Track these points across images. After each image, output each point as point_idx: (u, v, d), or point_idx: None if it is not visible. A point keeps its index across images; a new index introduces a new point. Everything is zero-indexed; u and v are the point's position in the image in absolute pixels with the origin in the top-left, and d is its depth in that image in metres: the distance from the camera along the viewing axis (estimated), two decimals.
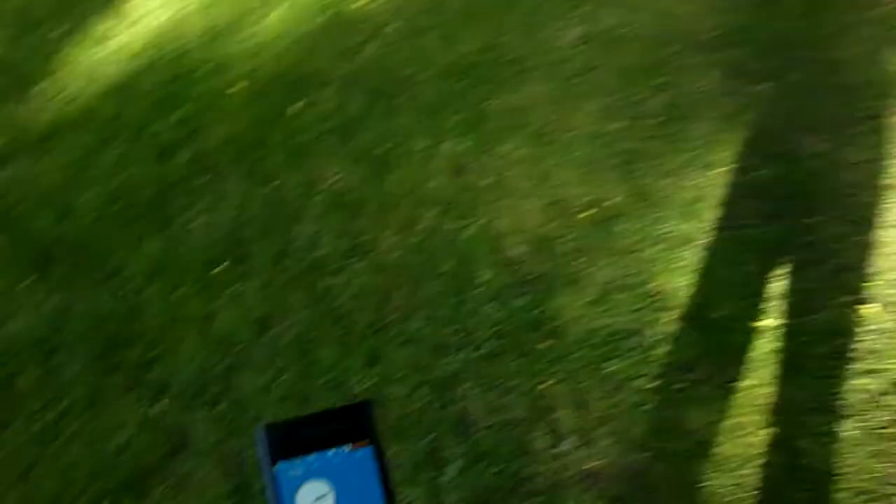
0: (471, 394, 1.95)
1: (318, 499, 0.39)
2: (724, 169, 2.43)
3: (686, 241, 2.25)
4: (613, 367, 1.95)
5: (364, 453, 0.40)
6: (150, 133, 2.91)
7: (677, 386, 1.90)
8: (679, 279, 2.14)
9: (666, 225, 2.30)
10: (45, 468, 1.97)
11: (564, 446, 1.82)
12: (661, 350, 1.97)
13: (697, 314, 2.05)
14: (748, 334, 1.99)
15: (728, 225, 2.26)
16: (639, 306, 2.08)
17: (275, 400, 2.01)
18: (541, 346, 2.02)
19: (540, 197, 2.41)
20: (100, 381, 2.13)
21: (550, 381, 1.95)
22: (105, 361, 2.18)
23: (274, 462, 0.39)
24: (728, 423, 1.83)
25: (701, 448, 1.79)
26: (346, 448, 0.40)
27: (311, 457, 0.39)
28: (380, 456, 0.41)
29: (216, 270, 2.36)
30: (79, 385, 2.13)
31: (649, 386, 1.90)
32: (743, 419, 1.84)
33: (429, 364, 2.03)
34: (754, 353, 1.95)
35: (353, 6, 3.42)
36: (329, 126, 2.78)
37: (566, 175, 2.47)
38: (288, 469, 0.39)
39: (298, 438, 0.40)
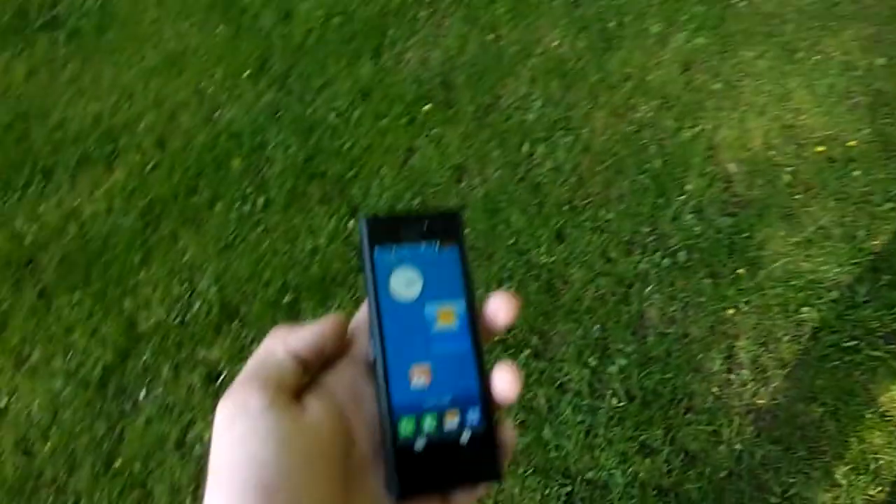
0: (652, 298, 1.92)
1: (408, 283, 0.44)
2: None
3: None
4: (810, 315, 1.86)
5: (451, 252, 0.45)
6: None
7: (873, 353, 1.79)
8: None
9: None
10: (242, 249, 2.14)
11: (738, 376, 1.79)
12: (866, 312, 1.85)
13: None
14: None
15: None
16: (853, 261, 1.94)
17: None
18: (737, 271, 1.94)
19: (772, 117, 2.22)
20: (300, 185, 2.25)
21: (737, 309, 1.89)
22: (307, 168, 2.28)
23: (372, 246, 0.43)
24: None
25: (882, 420, 1.71)
26: (436, 245, 0.44)
27: (405, 247, 0.44)
28: (464, 256, 0.45)
29: (423, 108, 2.37)
30: (281, 183, 2.25)
31: (844, 344, 1.80)
32: None
33: (615, 257, 2.00)
34: None
35: None
36: None
37: (807, 100, 2.25)
38: (384, 254, 0.44)
39: (396, 230, 0.44)
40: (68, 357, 2.07)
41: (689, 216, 2.05)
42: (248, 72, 2.56)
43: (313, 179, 2.25)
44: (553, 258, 2.02)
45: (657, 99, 2.29)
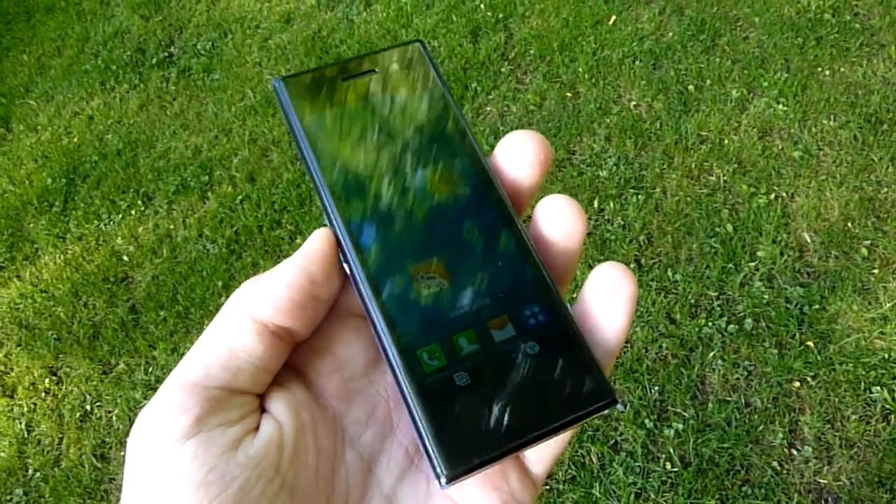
0: (714, 364, 1.90)
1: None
2: None
3: None
4: (881, 395, 1.79)
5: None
6: (469, 8, 2.99)
7: None
8: None
9: None
10: None
11: (800, 452, 1.74)
12: None
13: None
14: None
15: None
16: None
17: None
18: (806, 343, 1.90)
19: (852, 188, 2.18)
20: None
21: (804, 383, 1.84)
22: None
23: (302, 119, 0.31)
24: None
25: None
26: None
27: (354, 108, 0.31)
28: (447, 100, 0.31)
29: None
30: None
31: None
32: None
33: (679, 320, 1.99)
34: None
35: None
36: (643, 48, 2.67)
37: (890, 173, 2.20)
38: (325, 121, 0.31)
39: (331, 91, 0.31)
40: (149, 371, 2.22)
41: (759, 283, 2.03)
42: None
43: None
44: None
45: (733, 164, 2.29)
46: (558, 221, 0.30)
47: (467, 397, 0.26)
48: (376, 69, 0.31)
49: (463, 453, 0.25)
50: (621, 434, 1.83)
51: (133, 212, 2.66)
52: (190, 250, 2.44)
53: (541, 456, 0.30)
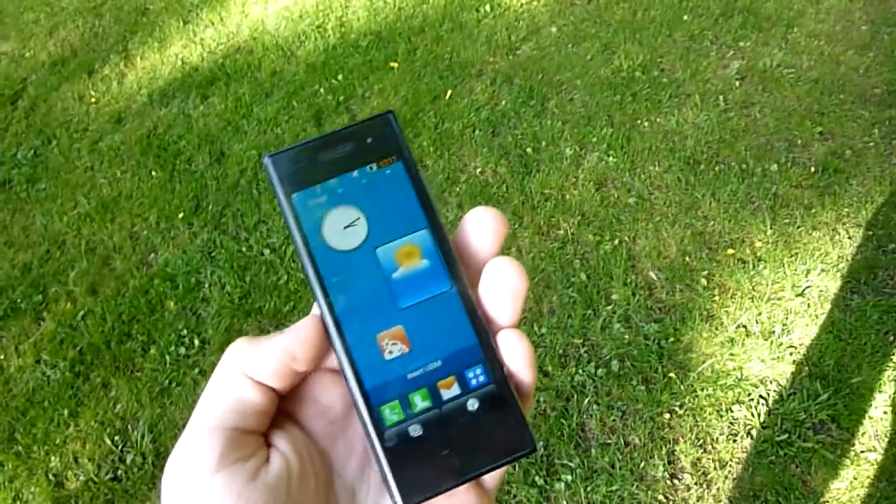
0: (591, 410, 1.96)
1: (347, 226, 0.34)
2: (879, 231, 2.34)
3: (829, 298, 2.18)
4: (741, 413, 1.92)
5: (395, 170, 0.35)
6: (309, 94, 3.02)
7: (805, 444, 1.86)
8: (818, 336, 2.08)
9: (809, 278, 2.23)
10: (178, 394, 2.09)
11: (681, 480, 1.82)
12: (793, 405, 1.93)
13: (834, 376, 1.99)
14: (885, 406, 1.92)
15: (876, 290, 2.18)
16: (774, 356, 2.03)
17: None
18: (668, 375, 2.01)
19: (684, 225, 2.38)
20: (237, 323, 2.24)
21: (673, 413, 1.94)
22: (244, 305, 2.29)
23: (288, 192, 0.35)
24: (854, 492, 1.78)
25: None
26: (372, 167, 0.35)
27: (333, 181, 0.35)
28: (413, 171, 0.35)
29: None
30: (218, 323, 2.25)
31: (776, 438, 1.86)
32: (871, 490, 1.78)
33: (552, 371, 2.05)
34: (890, 426, 1.88)
35: (516, 3, 3.45)
36: (480, 118, 2.81)
37: (713, 207, 2.43)
38: (308, 198, 0.35)
39: (314, 163, 0.35)
40: None
41: (618, 325, 2.13)
42: (182, 213, 2.61)
43: (250, 316, 2.26)
44: None
45: (577, 216, 2.43)
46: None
47: (419, 446, 0.33)
48: (349, 145, 0.35)
49: (415, 488, 0.32)
50: (514, 496, 1.82)
51: None
52: (26, 380, 2.20)
53: (492, 473, 0.35)
